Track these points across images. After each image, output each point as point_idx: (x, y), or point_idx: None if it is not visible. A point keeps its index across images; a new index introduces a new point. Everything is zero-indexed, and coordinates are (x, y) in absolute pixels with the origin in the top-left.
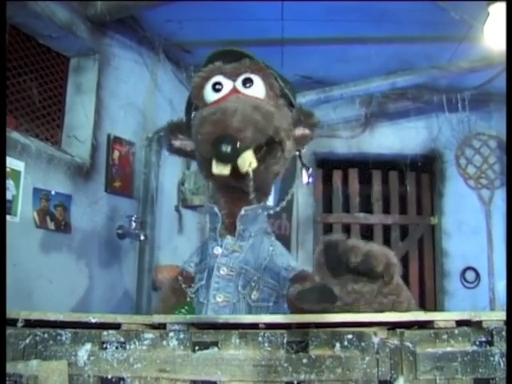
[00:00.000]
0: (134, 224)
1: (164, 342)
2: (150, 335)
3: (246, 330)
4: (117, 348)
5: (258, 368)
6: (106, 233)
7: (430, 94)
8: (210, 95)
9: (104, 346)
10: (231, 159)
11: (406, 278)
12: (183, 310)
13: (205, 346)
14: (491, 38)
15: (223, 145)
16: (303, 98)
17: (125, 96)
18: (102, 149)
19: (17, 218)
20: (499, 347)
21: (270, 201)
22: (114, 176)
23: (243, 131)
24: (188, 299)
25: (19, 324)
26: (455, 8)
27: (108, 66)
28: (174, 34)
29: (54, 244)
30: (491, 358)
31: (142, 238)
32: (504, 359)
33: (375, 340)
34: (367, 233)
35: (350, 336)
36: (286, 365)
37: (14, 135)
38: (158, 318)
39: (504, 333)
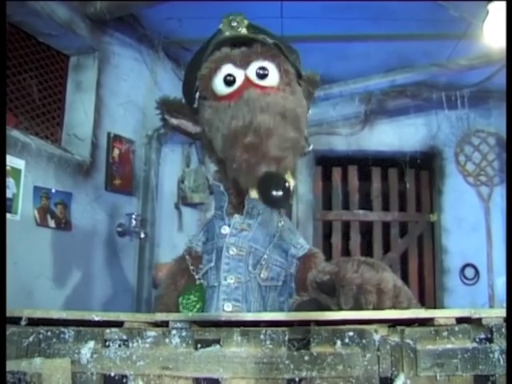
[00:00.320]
0: (134, 222)
1: (166, 340)
2: (152, 333)
3: (248, 327)
4: (120, 346)
5: (260, 365)
6: (107, 231)
7: (429, 91)
8: (222, 88)
9: (107, 343)
10: (284, 202)
11: (405, 275)
12: (192, 296)
13: (207, 343)
14: (490, 35)
15: (273, 190)
16: None
17: (124, 94)
18: (102, 147)
19: (17, 216)
20: (499, 344)
21: None
22: (114, 174)
23: (284, 160)
24: (197, 282)
25: (23, 322)
26: (454, 6)
27: (108, 64)
28: (174, 31)
29: (55, 242)
30: (491, 355)
31: (142, 235)
32: (504, 356)
33: (376, 337)
34: (367, 230)
35: (351, 333)
36: (287, 362)
37: (14, 133)
38: (160, 316)
39: (504, 330)
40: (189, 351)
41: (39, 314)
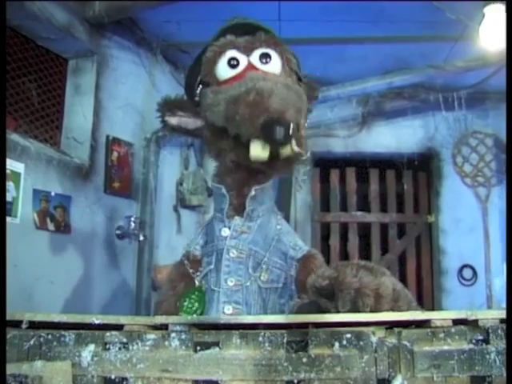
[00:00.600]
0: (133, 224)
1: (166, 343)
2: (152, 336)
3: (247, 330)
4: (120, 349)
5: (259, 367)
6: (106, 233)
7: (426, 93)
8: (225, 71)
9: (107, 346)
10: (285, 144)
11: (403, 276)
12: (193, 297)
13: (206, 346)
14: (487, 38)
15: (276, 129)
16: None
17: (123, 97)
18: (101, 150)
19: (17, 220)
20: (495, 345)
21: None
22: (113, 177)
23: (285, 113)
24: (196, 284)
25: (24, 325)
26: (451, 8)
27: (106, 68)
28: (172, 34)
29: (54, 245)
30: (487, 356)
31: (141, 238)
32: (500, 357)
33: (373, 339)
34: (365, 231)
35: (348, 335)
36: (286, 364)
37: (13, 137)
38: (159, 319)
39: (500, 331)
40: (188, 354)
41: (40, 317)
